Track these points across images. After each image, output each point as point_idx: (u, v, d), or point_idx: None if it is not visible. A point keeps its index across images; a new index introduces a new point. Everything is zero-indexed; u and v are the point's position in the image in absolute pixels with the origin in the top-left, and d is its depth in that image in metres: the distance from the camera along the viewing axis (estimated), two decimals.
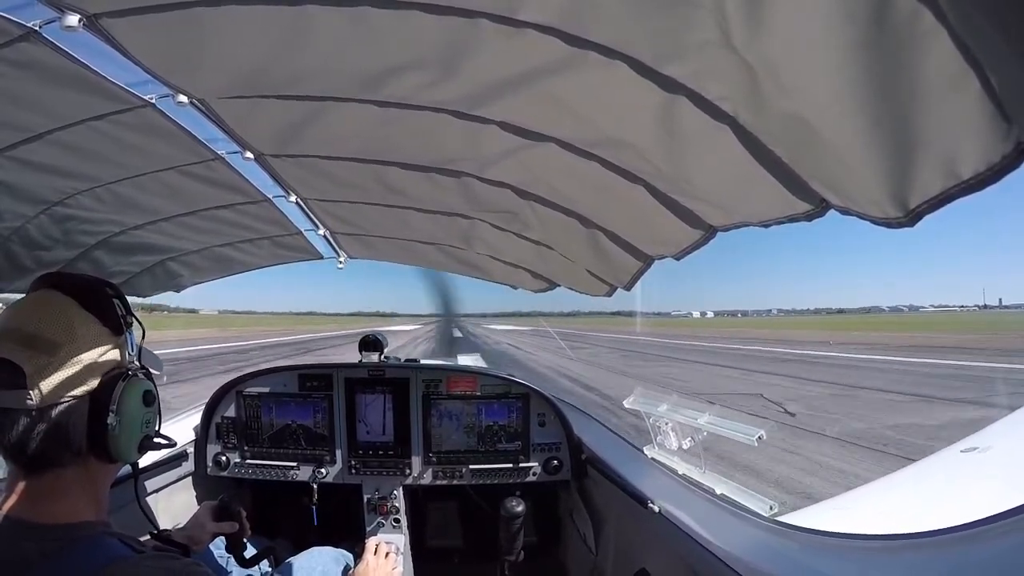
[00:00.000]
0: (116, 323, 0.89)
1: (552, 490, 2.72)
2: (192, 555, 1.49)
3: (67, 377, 0.81)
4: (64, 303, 0.85)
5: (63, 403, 0.81)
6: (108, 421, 0.84)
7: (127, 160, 1.74)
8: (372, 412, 2.56)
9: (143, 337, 0.98)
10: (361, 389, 2.57)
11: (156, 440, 0.98)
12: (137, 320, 0.95)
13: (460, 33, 1.12)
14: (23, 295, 0.92)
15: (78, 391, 0.83)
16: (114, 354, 0.88)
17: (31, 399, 0.78)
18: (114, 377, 0.87)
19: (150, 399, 0.93)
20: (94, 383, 0.84)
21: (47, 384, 0.79)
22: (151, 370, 0.97)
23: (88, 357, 0.84)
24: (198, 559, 1.62)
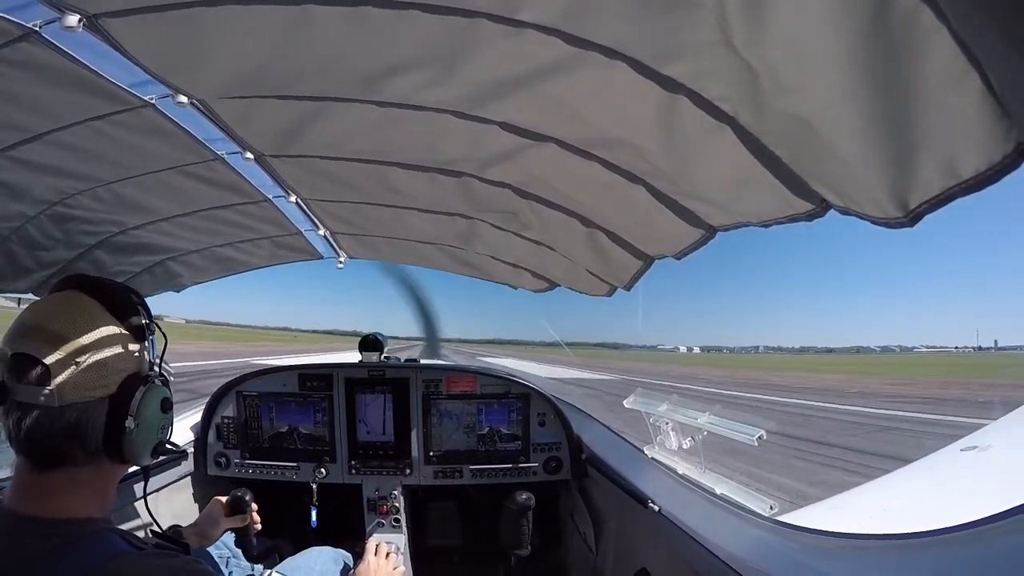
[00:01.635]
0: (139, 329, 0.91)
1: (552, 490, 2.72)
2: (192, 553, 1.49)
3: (88, 378, 0.82)
4: (91, 306, 0.86)
5: (82, 403, 0.82)
6: (126, 424, 0.85)
7: (127, 160, 1.75)
8: (372, 412, 2.56)
9: (165, 346, 0.99)
10: (361, 389, 2.57)
11: (167, 446, 0.99)
12: (159, 328, 0.97)
13: (460, 33, 1.12)
14: (28, 294, 0.92)
15: (98, 392, 0.83)
16: (135, 359, 0.89)
17: (51, 396, 0.79)
18: (135, 382, 0.88)
19: (167, 406, 0.95)
20: (114, 386, 0.85)
21: (68, 382, 0.80)
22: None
23: (110, 360, 0.85)
24: (197, 556, 1.63)
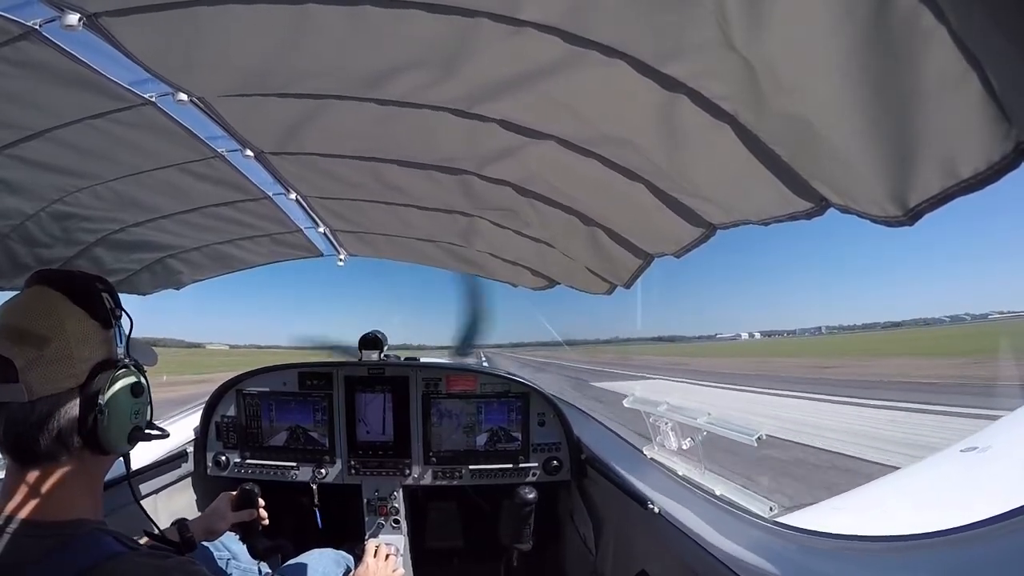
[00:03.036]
0: (105, 317, 0.90)
1: (552, 490, 2.72)
2: (197, 547, 1.50)
3: (57, 370, 0.82)
4: (54, 298, 0.86)
5: (54, 396, 0.82)
6: (97, 412, 0.85)
7: (127, 158, 1.75)
8: (372, 411, 2.56)
9: (131, 330, 0.99)
10: (361, 388, 2.57)
11: (148, 431, 0.98)
12: (126, 313, 0.97)
13: (460, 32, 1.12)
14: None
15: (68, 384, 0.84)
16: (103, 347, 0.90)
17: (22, 392, 0.79)
18: (103, 370, 0.88)
19: (138, 390, 0.94)
20: (83, 376, 0.86)
21: (37, 377, 0.80)
22: (143, 362, 0.98)
23: (77, 350, 0.85)
24: (196, 557, 1.63)
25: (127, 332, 0.97)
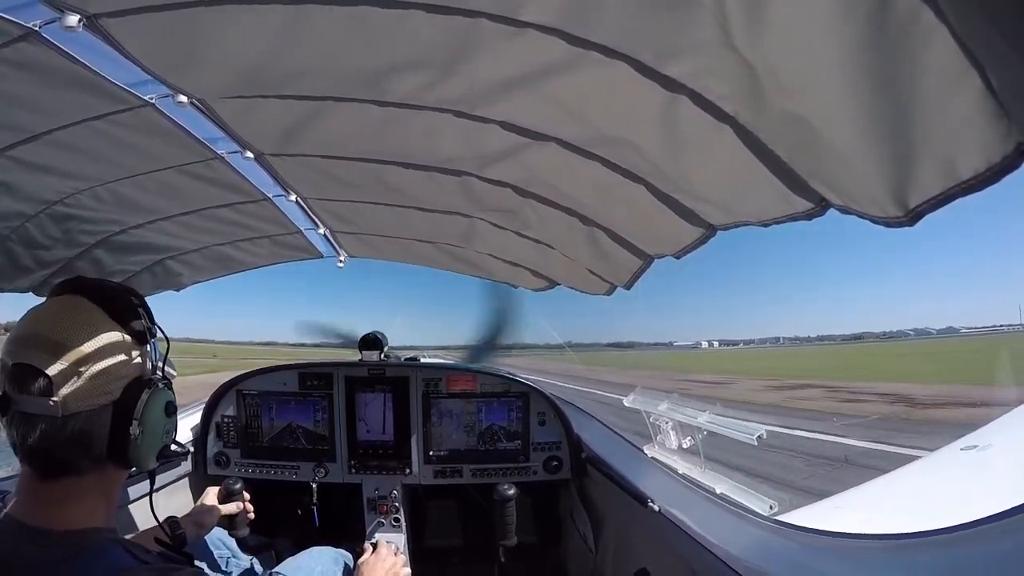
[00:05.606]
0: (141, 333, 0.89)
1: (552, 489, 2.73)
2: (190, 544, 1.50)
3: (92, 386, 0.81)
4: (90, 311, 0.85)
5: (86, 411, 0.81)
6: (131, 431, 0.84)
7: (127, 160, 1.75)
8: (372, 411, 2.56)
9: (168, 348, 0.98)
10: (361, 388, 2.57)
11: (172, 448, 0.98)
12: (161, 331, 0.95)
13: (461, 33, 1.12)
14: (42, 298, 0.91)
15: (102, 400, 0.82)
16: (138, 364, 0.88)
17: (55, 406, 0.77)
18: (138, 387, 0.87)
19: (172, 410, 0.93)
20: (117, 392, 0.84)
21: (72, 392, 0.79)
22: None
23: (113, 366, 0.83)
24: (198, 552, 1.63)
25: (161, 348, 0.96)
